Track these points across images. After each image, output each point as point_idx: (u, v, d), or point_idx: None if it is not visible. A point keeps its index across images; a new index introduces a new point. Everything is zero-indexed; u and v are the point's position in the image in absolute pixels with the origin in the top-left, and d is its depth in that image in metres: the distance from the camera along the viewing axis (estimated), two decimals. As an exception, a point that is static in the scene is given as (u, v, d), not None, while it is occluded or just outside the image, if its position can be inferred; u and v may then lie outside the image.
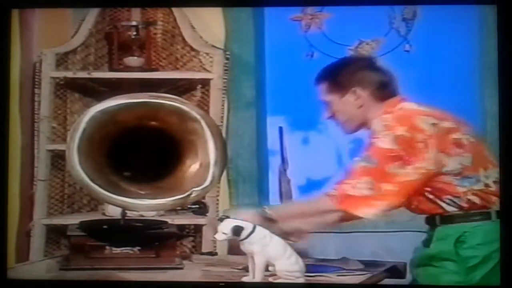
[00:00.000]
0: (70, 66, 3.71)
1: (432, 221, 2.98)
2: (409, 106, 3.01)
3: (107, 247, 3.20)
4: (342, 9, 3.55)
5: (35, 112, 3.65)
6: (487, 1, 3.30)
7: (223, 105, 3.70)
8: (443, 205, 2.94)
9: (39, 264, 3.43)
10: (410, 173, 2.86)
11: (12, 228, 3.57)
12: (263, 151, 3.68)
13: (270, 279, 3.05)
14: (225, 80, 3.70)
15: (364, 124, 3.04)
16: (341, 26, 3.64)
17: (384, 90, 3.03)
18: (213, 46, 3.73)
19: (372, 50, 3.71)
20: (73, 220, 3.46)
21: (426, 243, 3.01)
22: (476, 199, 2.92)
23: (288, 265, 3.03)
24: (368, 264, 3.26)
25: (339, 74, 3.06)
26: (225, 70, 3.70)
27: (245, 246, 3.04)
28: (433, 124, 2.93)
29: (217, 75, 3.70)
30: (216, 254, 3.44)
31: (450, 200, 2.92)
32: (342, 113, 3.06)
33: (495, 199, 2.94)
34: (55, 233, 3.65)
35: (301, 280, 3.04)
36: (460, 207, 2.93)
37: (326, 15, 3.67)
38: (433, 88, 3.65)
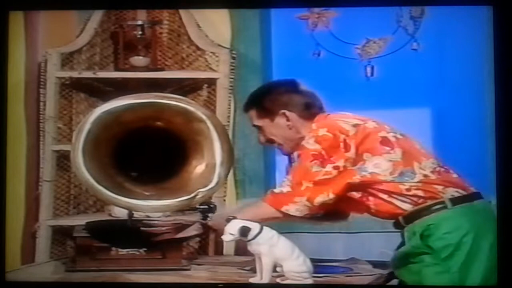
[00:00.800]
0: (76, 66, 3.70)
1: (398, 223, 3.03)
2: (334, 114, 3.14)
3: (113, 249, 3.19)
4: (349, 7, 3.53)
5: (41, 113, 3.63)
6: (486, 2, 3.30)
7: (229, 105, 3.68)
8: (398, 203, 3.00)
9: (44, 265, 3.41)
10: (329, 171, 2.99)
11: (17, 229, 3.56)
12: (270, 151, 3.65)
13: (278, 280, 3.04)
14: (231, 80, 3.68)
15: (299, 143, 3.10)
16: (348, 24, 3.62)
17: (310, 110, 3.15)
18: (219, 45, 3.71)
19: (380, 48, 3.69)
20: (79, 221, 3.45)
21: (401, 244, 3.06)
22: (421, 193, 2.98)
23: (296, 266, 3.02)
24: (377, 265, 3.25)
25: (264, 100, 3.17)
26: (232, 69, 3.68)
27: (253, 247, 3.03)
28: (355, 125, 3.05)
29: (223, 75, 3.68)
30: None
31: (401, 198, 2.99)
32: (277, 135, 3.16)
33: (439, 187, 2.99)
34: (61, 235, 3.63)
35: (309, 281, 3.03)
36: (414, 203, 2.98)
37: (333, 13, 3.65)
38: (441, 87, 3.63)
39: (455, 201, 2.98)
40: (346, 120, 3.07)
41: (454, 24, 3.52)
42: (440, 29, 3.61)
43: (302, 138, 3.09)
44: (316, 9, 3.65)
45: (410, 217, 2.99)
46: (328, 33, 3.67)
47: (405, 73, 3.66)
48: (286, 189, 3.03)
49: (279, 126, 3.14)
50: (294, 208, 3.02)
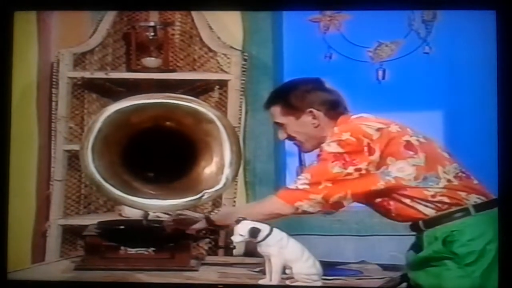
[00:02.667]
0: (88, 67, 3.71)
1: (416, 226, 3.01)
2: (356, 116, 3.11)
3: (122, 248, 3.19)
4: (361, 10, 3.52)
5: (53, 112, 3.65)
6: (489, 6, 3.30)
7: (240, 107, 3.68)
8: (421, 208, 2.99)
9: (54, 264, 3.42)
10: (350, 173, 2.97)
11: (28, 228, 3.58)
12: (281, 153, 3.65)
13: (287, 282, 3.03)
14: (242, 82, 3.69)
15: (321, 142, 3.08)
16: (360, 27, 3.62)
17: (336, 109, 3.12)
18: (231, 47, 3.71)
19: (391, 52, 3.68)
20: (89, 220, 3.46)
21: (417, 247, 3.04)
22: (446, 199, 2.97)
23: (306, 268, 3.01)
24: (387, 268, 3.24)
25: (290, 97, 3.13)
26: (243, 71, 3.68)
27: (262, 248, 3.02)
28: (379, 129, 3.02)
29: (234, 76, 3.68)
30: (234, 247, 3.43)
31: (425, 204, 2.98)
32: (300, 133, 3.14)
33: (463, 194, 2.98)
34: (71, 234, 3.64)
35: (319, 284, 3.02)
36: (438, 209, 2.97)
37: (345, 16, 3.64)
38: (452, 90, 3.62)
39: (478, 207, 2.97)
40: (369, 124, 3.05)
41: (465, 28, 3.51)
42: (452, 33, 3.60)
43: (325, 137, 3.07)
44: (328, 12, 3.65)
45: (431, 222, 2.98)
46: (340, 36, 3.67)
47: (416, 76, 3.65)
48: (302, 186, 3.00)
49: (305, 124, 3.11)
50: (307, 205, 3.00)
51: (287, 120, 3.13)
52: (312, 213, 3.02)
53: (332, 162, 2.98)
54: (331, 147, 3.00)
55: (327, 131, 3.08)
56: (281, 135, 3.17)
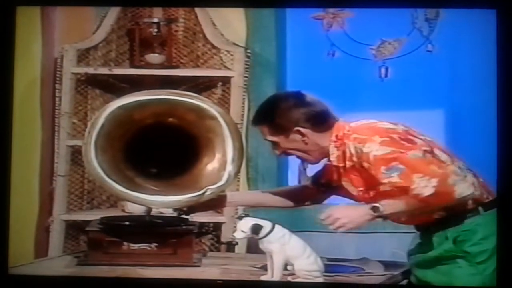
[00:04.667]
0: (91, 62, 3.71)
1: (425, 227, 2.99)
2: (356, 124, 3.02)
3: (125, 243, 3.20)
4: (365, 8, 3.53)
5: (56, 108, 3.65)
6: (490, 5, 3.30)
7: (243, 103, 3.69)
8: None
9: (57, 259, 3.43)
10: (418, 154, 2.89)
11: (31, 224, 3.59)
12: (283, 150, 3.65)
13: (289, 278, 3.04)
14: (245, 78, 3.69)
15: (323, 152, 3.03)
16: (363, 25, 3.62)
17: (326, 120, 3.03)
18: (234, 44, 3.72)
19: (394, 50, 3.69)
20: (92, 216, 3.46)
21: (424, 247, 3.02)
22: None
23: (307, 265, 3.02)
24: (388, 265, 3.24)
25: (275, 116, 3.03)
26: (246, 68, 3.69)
27: (264, 245, 3.03)
28: (394, 123, 2.98)
29: (237, 73, 3.69)
30: (236, 243, 3.43)
31: None
32: (295, 149, 3.05)
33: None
34: (74, 229, 3.65)
35: (320, 280, 3.02)
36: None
37: (348, 14, 3.65)
38: (455, 89, 3.63)
39: (486, 206, 2.96)
40: (381, 123, 2.99)
41: (468, 27, 3.51)
42: (455, 32, 3.60)
43: (324, 147, 3.01)
44: (331, 10, 3.65)
45: (443, 223, 2.96)
46: (343, 34, 3.67)
47: (419, 74, 3.66)
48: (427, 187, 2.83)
49: (295, 141, 3.03)
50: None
51: (278, 139, 3.04)
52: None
53: (392, 161, 2.87)
54: (378, 150, 2.89)
55: (322, 142, 3.01)
56: (276, 151, 3.09)
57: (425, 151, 2.90)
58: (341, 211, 2.92)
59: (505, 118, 3.18)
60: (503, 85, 3.19)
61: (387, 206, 2.89)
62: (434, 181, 2.82)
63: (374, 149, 2.89)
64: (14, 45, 3.38)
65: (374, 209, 2.88)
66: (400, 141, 2.91)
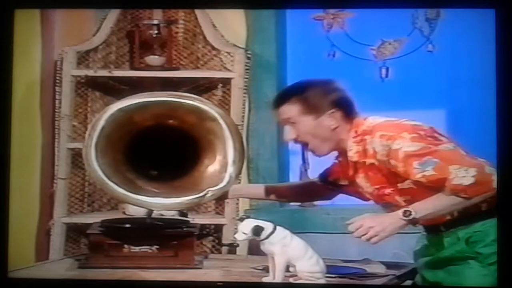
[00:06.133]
0: (91, 65, 3.71)
1: (435, 228, 2.96)
2: (376, 121, 2.97)
3: (126, 246, 3.19)
4: (365, 8, 3.52)
5: (56, 111, 3.65)
6: (489, 5, 3.29)
7: (244, 105, 3.69)
8: None
9: (58, 262, 3.42)
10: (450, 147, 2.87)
11: (32, 227, 3.58)
12: (284, 151, 3.66)
13: (291, 280, 3.03)
14: (246, 80, 3.69)
15: (338, 144, 3.00)
16: (364, 25, 3.62)
17: (351, 112, 3.00)
18: (234, 45, 3.72)
19: (395, 50, 3.68)
20: (93, 219, 3.45)
21: (435, 248, 2.99)
22: None
23: (309, 266, 3.01)
24: (391, 266, 3.23)
25: (311, 96, 2.98)
26: (246, 69, 3.68)
27: (265, 246, 3.02)
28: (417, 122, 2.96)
29: (238, 75, 3.68)
30: (237, 245, 3.42)
31: None
32: (313, 135, 2.99)
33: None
34: (75, 232, 3.65)
35: (322, 281, 3.01)
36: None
37: (349, 14, 3.65)
38: (456, 88, 3.62)
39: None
40: (406, 121, 2.95)
41: (469, 26, 3.51)
42: (456, 31, 3.60)
43: (343, 140, 2.97)
44: (332, 10, 3.65)
45: (453, 223, 2.93)
46: (343, 34, 3.67)
47: (420, 74, 3.65)
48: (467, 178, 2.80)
49: (322, 125, 2.97)
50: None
51: (303, 119, 2.98)
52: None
53: (424, 157, 2.83)
54: (409, 146, 2.85)
55: (343, 133, 2.98)
56: (290, 135, 3.02)
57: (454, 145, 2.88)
58: (373, 220, 2.87)
59: (505, 117, 3.17)
60: (503, 85, 3.19)
61: (419, 208, 2.84)
62: (472, 171, 2.79)
63: (405, 145, 2.85)
64: (13, 48, 3.38)
65: (406, 213, 2.84)
66: (427, 137, 2.88)
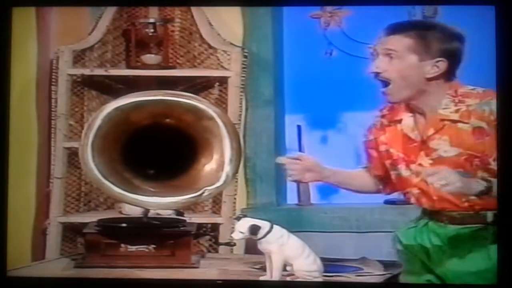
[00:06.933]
0: (87, 63, 3.70)
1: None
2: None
3: (123, 245, 3.19)
4: (362, 6, 3.51)
5: (52, 110, 3.63)
6: (488, 2, 3.28)
7: (241, 103, 3.67)
8: None
9: (54, 262, 3.42)
10: None
11: (28, 226, 3.57)
12: (281, 150, 3.64)
13: (288, 279, 3.02)
14: (243, 78, 3.67)
15: (414, 96, 2.90)
16: (361, 23, 3.61)
17: (454, 70, 2.92)
18: (231, 43, 3.70)
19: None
20: (89, 218, 3.45)
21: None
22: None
23: (306, 265, 3.01)
24: (387, 265, 3.23)
25: (429, 36, 2.89)
26: (243, 68, 3.67)
27: (262, 245, 3.02)
28: None
29: (235, 73, 3.67)
30: (234, 244, 3.41)
31: None
32: (403, 76, 2.89)
33: None
34: (71, 231, 3.64)
35: (319, 280, 3.01)
36: None
37: (346, 12, 3.64)
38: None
39: None
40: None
41: (468, 24, 3.50)
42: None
43: (426, 93, 2.88)
44: (329, 8, 3.64)
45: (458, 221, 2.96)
46: (341, 32, 3.66)
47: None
48: None
49: (420, 69, 2.87)
50: None
51: (408, 56, 2.87)
52: None
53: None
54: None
55: (435, 87, 2.86)
56: (377, 67, 2.92)
57: None
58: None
59: (505, 117, 3.17)
60: (503, 83, 3.18)
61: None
62: None
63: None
64: (10, 47, 3.37)
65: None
66: None
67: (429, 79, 2.88)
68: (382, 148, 3.07)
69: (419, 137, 2.97)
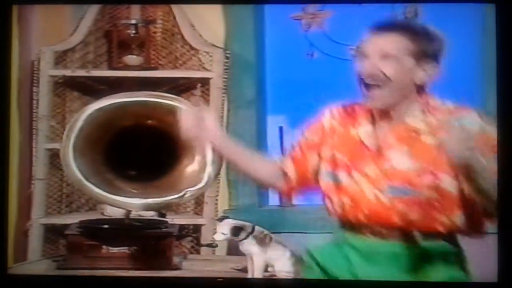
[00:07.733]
0: (69, 64, 3.69)
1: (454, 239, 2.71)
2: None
3: (104, 247, 3.18)
4: (343, 7, 3.52)
5: (34, 111, 3.62)
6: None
7: (223, 105, 3.68)
8: None
9: (36, 263, 3.41)
10: None
11: (9, 228, 3.55)
12: (263, 151, 3.65)
13: (269, 280, 3.03)
14: (225, 79, 3.68)
15: (396, 103, 2.62)
16: (342, 25, 3.62)
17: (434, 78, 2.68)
18: (213, 44, 3.70)
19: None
20: (71, 219, 3.44)
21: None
22: None
23: (288, 266, 3.01)
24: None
25: (431, 39, 2.65)
26: (225, 69, 3.67)
27: (244, 247, 3.02)
28: None
29: (217, 74, 3.67)
30: (216, 246, 3.41)
31: None
32: (396, 80, 2.59)
33: None
34: (53, 233, 3.63)
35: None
36: None
37: (327, 13, 3.65)
38: (438, 88, 3.62)
39: None
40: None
41: (448, 25, 3.51)
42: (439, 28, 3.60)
43: (401, 104, 2.60)
44: (310, 10, 3.65)
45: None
46: (322, 34, 3.67)
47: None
48: None
49: (413, 74, 2.61)
50: None
51: (405, 58, 2.58)
52: None
53: None
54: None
55: (412, 97, 2.59)
56: (370, 69, 2.63)
57: None
58: None
59: (505, 117, 3.17)
60: (503, 82, 3.17)
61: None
62: None
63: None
64: (11, 45, 3.35)
65: None
66: None
67: (417, 86, 2.64)
68: (325, 152, 2.77)
69: (374, 146, 2.70)
